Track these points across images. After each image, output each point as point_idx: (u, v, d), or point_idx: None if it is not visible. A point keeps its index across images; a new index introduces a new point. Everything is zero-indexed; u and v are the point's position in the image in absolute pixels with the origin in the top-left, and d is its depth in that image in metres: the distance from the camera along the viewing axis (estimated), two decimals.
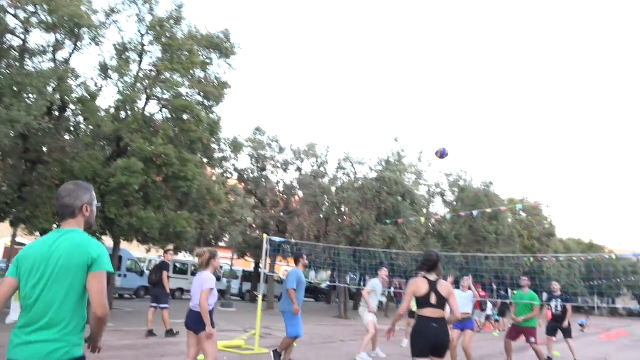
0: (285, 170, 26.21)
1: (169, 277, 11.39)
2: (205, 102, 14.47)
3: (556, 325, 12.36)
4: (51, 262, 2.63)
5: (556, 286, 12.85)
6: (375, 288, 10.74)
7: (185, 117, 13.21)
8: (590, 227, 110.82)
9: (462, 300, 9.13)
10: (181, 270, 27.08)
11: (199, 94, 13.87)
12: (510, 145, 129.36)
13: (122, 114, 12.56)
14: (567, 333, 12.42)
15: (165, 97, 12.72)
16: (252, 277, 30.72)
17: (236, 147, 14.28)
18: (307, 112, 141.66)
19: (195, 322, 5.72)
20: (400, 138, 52.55)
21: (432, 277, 5.18)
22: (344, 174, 23.90)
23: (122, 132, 11.34)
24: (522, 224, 37.91)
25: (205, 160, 15.05)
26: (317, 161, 24.84)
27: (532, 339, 10.16)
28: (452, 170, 29.67)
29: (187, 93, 14.26)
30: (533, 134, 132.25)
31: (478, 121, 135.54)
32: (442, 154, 10.08)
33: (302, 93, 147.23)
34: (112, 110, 12.07)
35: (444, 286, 5.16)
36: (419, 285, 5.15)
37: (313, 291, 41.28)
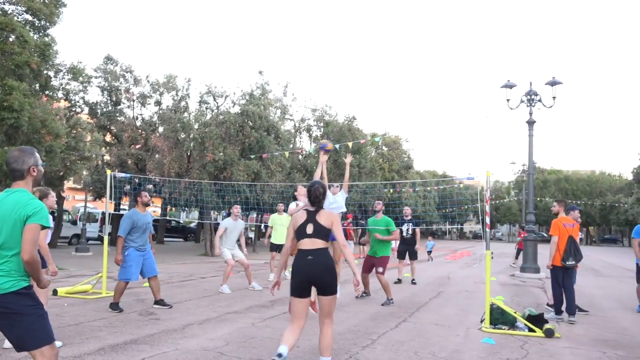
0: (143, 104, 24.43)
1: None
2: (36, 21, 12.56)
3: (406, 248, 13.21)
4: None
5: (407, 211, 13.63)
6: (227, 227, 10.44)
7: (11, 38, 11.35)
8: (443, 160, 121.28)
9: None
10: None
11: (26, 12, 11.95)
12: (373, 82, 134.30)
13: None
14: (414, 255, 13.34)
15: None
16: (114, 219, 28.91)
17: (75, 74, 12.65)
18: (164, 41, 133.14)
19: None
20: (265, 71, 51.33)
21: (313, 208, 4.70)
22: (206, 108, 22.86)
23: None
24: (384, 157, 39.96)
25: (45, 91, 13.25)
26: (177, 95, 23.41)
27: (380, 269, 9.25)
28: (317, 105, 29.84)
29: (10, 10, 12.25)
30: (395, 72, 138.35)
31: (342, 57, 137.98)
32: (322, 147, 9.92)
33: (158, 20, 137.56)
34: None
35: (325, 215, 4.65)
36: (297, 218, 4.71)
37: (182, 231, 40.37)
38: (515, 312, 7.23)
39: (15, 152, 3.34)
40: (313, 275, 4.48)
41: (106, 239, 9.59)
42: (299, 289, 4.52)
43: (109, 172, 9.58)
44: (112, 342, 5.82)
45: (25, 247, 3.13)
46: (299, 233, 4.61)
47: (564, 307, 8.00)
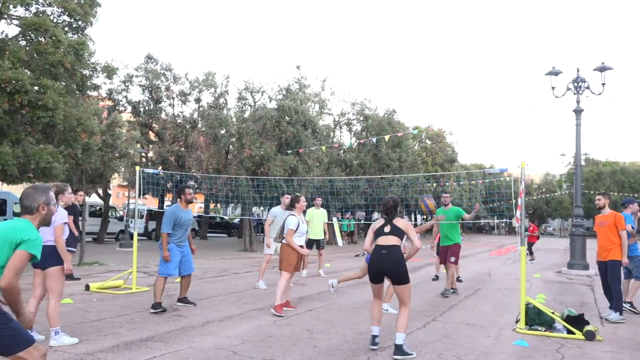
0: (183, 102, 24.75)
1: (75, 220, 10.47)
2: (73, 22, 12.82)
3: None
4: None
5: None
6: (277, 216, 10.22)
7: (44, 38, 11.59)
8: (490, 152, 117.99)
9: None
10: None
11: (63, 13, 12.19)
12: (416, 74, 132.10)
13: None
14: None
15: (16, 13, 11.00)
16: (158, 215, 29.51)
17: (109, 72, 12.83)
18: (203, 38, 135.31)
19: (43, 258, 5.16)
20: (303, 66, 51.15)
21: (391, 215, 5.56)
22: (244, 104, 22.90)
23: None
24: (427, 151, 39.10)
25: (82, 90, 13.53)
26: (215, 92, 23.56)
27: (452, 258, 9.68)
28: (356, 99, 29.41)
29: (50, 12, 12.54)
30: (437, 63, 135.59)
31: (382, 49, 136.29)
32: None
33: (197, 17, 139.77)
34: None
35: (401, 221, 5.52)
36: (376, 223, 5.59)
37: (225, 226, 40.85)
38: (553, 313, 6.75)
39: (30, 189, 3.43)
40: (384, 267, 5.26)
41: (136, 234, 9.67)
42: (373, 277, 5.42)
43: (137, 168, 9.64)
44: (128, 339, 5.76)
45: (6, 272, 3.00)
46: (378, 233, 5.47)
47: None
